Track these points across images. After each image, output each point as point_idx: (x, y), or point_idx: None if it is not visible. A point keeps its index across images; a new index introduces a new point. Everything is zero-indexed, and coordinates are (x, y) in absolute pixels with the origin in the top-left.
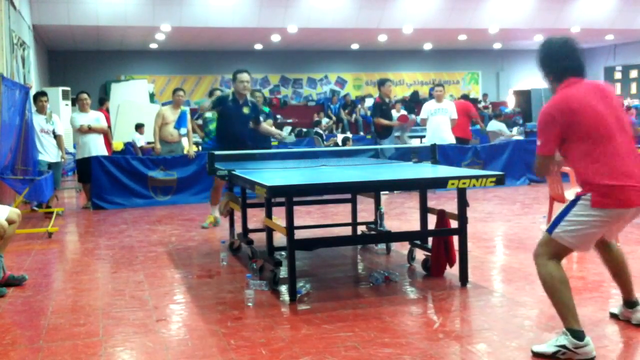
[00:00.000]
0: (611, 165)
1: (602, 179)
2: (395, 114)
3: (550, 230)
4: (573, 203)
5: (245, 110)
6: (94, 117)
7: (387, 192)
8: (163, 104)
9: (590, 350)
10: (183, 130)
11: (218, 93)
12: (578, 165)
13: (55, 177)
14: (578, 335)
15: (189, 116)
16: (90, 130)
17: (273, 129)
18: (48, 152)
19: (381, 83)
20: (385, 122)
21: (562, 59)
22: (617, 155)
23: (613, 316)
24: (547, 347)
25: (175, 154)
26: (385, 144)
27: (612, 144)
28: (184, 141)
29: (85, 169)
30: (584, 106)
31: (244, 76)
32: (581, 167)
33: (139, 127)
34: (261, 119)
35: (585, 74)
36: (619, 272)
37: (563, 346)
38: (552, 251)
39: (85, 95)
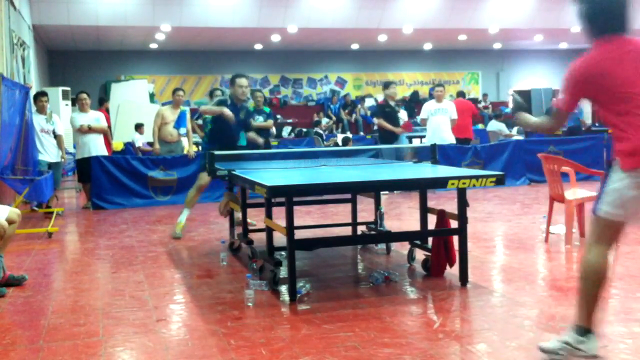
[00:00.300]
0: (637, 129)
1: (629, 142)
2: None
3: (594, 210)
4: (607, 175)
5: (242, 115)
6: (93, 117)
7: (387, 192)
8: (163, 104)
9: (592, 347)
10: (182, 130)
11: (218, 93)
12: (610, 127)
13: (55, 177)
14: (581, 331)
15: (188, 116)
16: (90, 130)
17: (258, 138)
18: (48, 152)
19: (385, 86)
20: (388, 126)
21: (603, 13)
22: None
23: None
24: (551, 344)
25: (175, 154)
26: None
27: None
28: (184, 141)
29: (85, 169)
30: (609, 72)
31: (243, 81)
32: (612, 129)
33: (138, 127)
34: (261, 118)
35: (628, 29)
36: None
37: (566, 342)
38: (600, 232)
39: (85, 95)
